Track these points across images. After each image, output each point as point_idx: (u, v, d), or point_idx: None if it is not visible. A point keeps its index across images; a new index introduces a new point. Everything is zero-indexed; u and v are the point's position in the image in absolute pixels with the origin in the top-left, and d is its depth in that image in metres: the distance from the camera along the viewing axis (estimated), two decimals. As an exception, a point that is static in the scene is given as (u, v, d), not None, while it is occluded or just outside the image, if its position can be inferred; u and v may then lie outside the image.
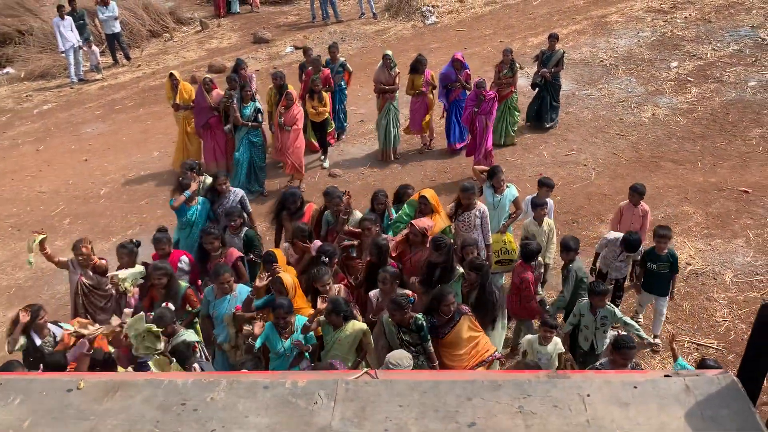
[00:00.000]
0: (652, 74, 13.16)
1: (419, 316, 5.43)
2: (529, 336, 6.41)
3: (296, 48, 17.14)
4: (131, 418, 2.63)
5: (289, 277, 5.99)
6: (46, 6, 19.67)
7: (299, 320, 5.71)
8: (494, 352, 5.70)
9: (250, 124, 9.84)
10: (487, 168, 7.83)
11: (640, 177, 9.98)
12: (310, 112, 10.29)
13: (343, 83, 11.43)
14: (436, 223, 6.69)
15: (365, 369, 2.91)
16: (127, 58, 17.75)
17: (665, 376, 2.66)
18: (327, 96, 10.46)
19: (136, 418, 2.63)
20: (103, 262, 6.70)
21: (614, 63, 13.77)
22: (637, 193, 7.41)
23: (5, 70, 17.71)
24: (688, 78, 12.85)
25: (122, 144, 13.06)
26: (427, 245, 6.31)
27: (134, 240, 6.98)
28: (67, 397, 2.73)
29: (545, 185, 7.65)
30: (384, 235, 6.69)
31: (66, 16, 15.89)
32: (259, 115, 9.92)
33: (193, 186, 7.63)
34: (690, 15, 15.50)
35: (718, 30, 14.57)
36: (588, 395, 2.61)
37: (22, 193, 11.43)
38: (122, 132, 13.70)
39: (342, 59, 11.51)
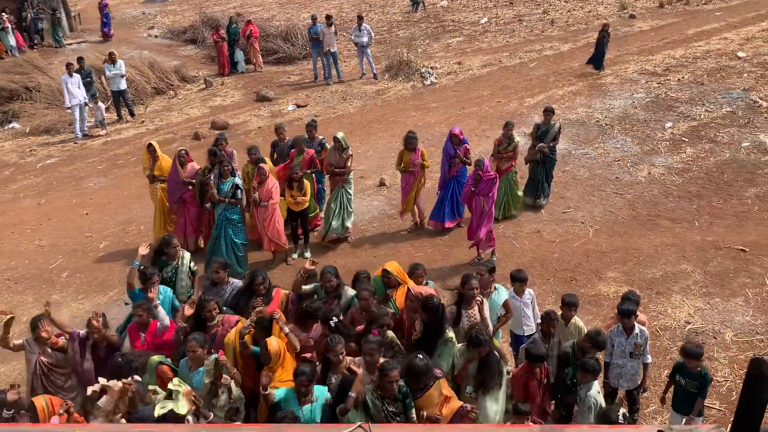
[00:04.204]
0: (647, 134, 13.39)
1: (402, 384, 5.17)
2: None
3: (298, 106, 17.50)
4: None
5: (275, 342, 5.68)
6: (53, 64, 20.18)
7: (318, 390, 5.40)
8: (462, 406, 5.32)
9: (227, 200, 9.41)
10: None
11: (637, 235, 10.05)
12: (289, 202, 9.74)
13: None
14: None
15: (358, 423, 2.89)
16: (132, 114, 18.08)
17: (658, 431, 2.64)
18: (307, 184, 9.82)
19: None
20: (62, 340, 6.38)
21: (610, 123, 14.03)
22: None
23: (11, 125, 18.06)
24: (683, 138, 13.07)
25: (123, 198, 13.17)
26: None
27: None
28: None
29: (518, 280, 7.05)
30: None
31: (74, 74, 16.32)
32: (238, 191, 9.47)
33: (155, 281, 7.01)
34: (683, 77, 15.89)
35: (710, 92, 14.92)
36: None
37: (21, 246, 11.46)
38: (123, 187, 13.83)
39: (320, 138, 10.98)
